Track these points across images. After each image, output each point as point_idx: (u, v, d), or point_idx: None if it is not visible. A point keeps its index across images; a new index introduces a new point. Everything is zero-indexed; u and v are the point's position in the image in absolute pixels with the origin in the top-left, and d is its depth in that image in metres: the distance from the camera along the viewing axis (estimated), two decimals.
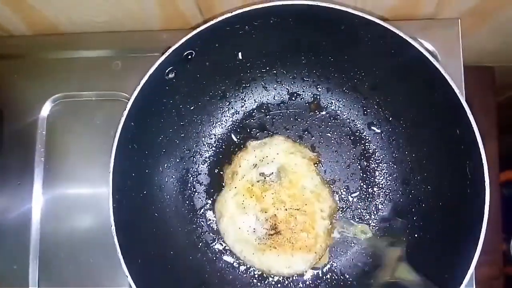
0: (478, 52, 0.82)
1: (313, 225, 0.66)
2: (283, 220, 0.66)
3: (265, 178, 0.68)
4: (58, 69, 0.78)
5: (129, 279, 0.55)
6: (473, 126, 0.54)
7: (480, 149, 0.54)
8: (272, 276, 0.68)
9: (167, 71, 0.61)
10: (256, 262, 0.66)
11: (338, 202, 0.69)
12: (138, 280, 0.56)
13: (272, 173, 0.68)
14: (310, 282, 0.69)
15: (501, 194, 0.84)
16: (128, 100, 0.59)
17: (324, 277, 0.69)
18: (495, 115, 0.87)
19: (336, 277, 0.68)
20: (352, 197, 0.70)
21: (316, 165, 0.69)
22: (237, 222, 0.67)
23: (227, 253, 0.70)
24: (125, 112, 0.58)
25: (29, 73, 0.78)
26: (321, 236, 0.66)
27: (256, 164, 0.69)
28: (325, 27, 0.61)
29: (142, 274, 0.57)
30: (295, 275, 0.68)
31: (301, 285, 0.69)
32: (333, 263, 0.68)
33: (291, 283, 0.69)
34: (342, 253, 0.69)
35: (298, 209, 0.66)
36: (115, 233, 0.56)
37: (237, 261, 0.69)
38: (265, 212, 0.67)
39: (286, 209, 0.67)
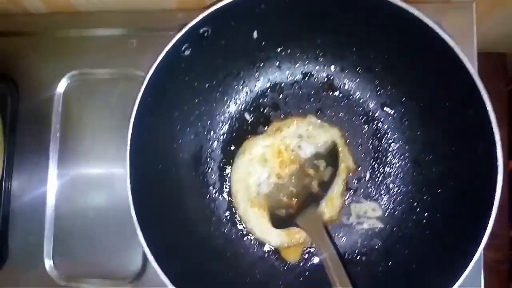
0: (491, 38, 0.82)
1: None
2: None
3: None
4: (73, 47, 0.79)
5: (145, 246, 0.57)
6: (487, 106, 0.55)
7: (494, 129, 0.54)
8: None
9: (183, 48, 0.62)
10: (241, 209, 0.69)
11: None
12: (153, 250, 0.57)
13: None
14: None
15: (509, 183, 0.85)
16: (143, 78, 0.60)
17: None
18: (506, 102, 0.87)
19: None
20: (363, 176, 0.71)
21: (349, 175, 0.70)
22: (252, 166, 0.69)
23: (239, 226, 0.71)
24: (143, 86, 0.59)
25: (45, 50, 0.79)
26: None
27: (301, 136, 0.70)
28: (341, 6, 0.61)
29: (157, 244, 0.58)
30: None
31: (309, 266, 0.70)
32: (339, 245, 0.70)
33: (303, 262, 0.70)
34: (348, 234, 0.70)
35: None
36: (132, 202, 0.58)
37: (251, 236, 0.71)
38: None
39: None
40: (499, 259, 0.85)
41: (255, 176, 0.70)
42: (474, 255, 0.55)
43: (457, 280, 0.55)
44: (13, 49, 0.80)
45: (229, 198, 0.72)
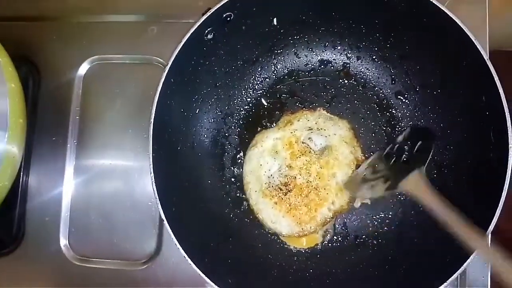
0: (502, 36, 0.84)
1: (317, 207, 0.69)
2: (297, 186, 0.69)
3: (309, 144, 0.70)
4: (95, 32, 0.81)
5: (165, 222, 0.58)
6: (499, 91, 0.57)
7: (505, 112, 0.56)
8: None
9: (206, 31, 0.64)
10: (253, 199, 0.70)
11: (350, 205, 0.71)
12: (172, 225, 0.58)
13: (319, 145, 0.71)
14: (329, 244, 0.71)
15: None
16: (162, 65, 0.61)
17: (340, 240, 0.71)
18: None
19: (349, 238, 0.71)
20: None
21: (357, 166, 0.71)
22: (263, 158, 0.71)
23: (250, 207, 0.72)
24: (168, 66, 0.61)
25: (67, 35, 0.81)
26: (317, 220, 0.69)
27: (311, 128, 0.71)
28: None
29: (175, 220, 0.59)
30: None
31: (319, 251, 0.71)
32: (348, 227, 0.71)
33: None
34: (360, 219, 0.71)
35: (316, 188, 0.69)
36: (153, 179, 0.59)
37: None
38: (289, 169, 0.70)
39: (307, 181, 0.69)
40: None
41: (266, 167, 0.71)
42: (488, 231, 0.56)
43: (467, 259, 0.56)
44: (35, 33, 0.82)
45: (241, 186, 0.73)
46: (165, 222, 0.58)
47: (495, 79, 0.57)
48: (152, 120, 0.60)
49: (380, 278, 0.65)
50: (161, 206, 0.59)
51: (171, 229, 0.58)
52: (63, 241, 0.76)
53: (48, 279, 0.76)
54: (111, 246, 0.74)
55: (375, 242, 0.70)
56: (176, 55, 0.61)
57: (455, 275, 0.56)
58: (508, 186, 0.57)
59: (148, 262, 0.73)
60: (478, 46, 0.58)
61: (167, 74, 0.61)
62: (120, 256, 0.74)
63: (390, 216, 0.71)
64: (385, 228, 0.70)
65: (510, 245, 0.53)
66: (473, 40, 0.58)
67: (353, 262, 0.69)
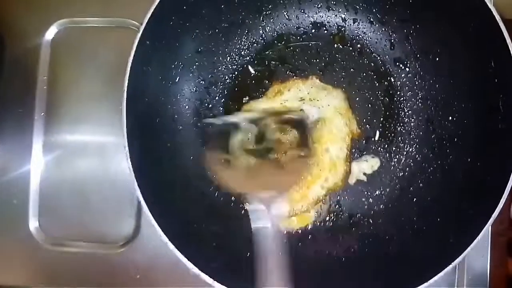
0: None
1: (308, 185, 0.65)
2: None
3: None
4: None
5: (143, 202, 0.54)
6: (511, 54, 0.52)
7: None
8: None
9: None
10: None
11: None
12: (151, 206, 0.54)
13: (311, 117, 0.66)
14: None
15: None
16: (138, 28, 0.56)
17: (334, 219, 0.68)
18: None
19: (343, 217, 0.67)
20: (372, 136, 0.68)
21: (354, 140, 0.67)
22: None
23: None
24: (142, 27, 0.55)
25: None
26: (308, 199, 0.66)
27: (303, 99, 0.67)
28: None
29: (154, 201, 0.55)
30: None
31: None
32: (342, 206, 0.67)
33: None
34: (354, 197, 0.67)
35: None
36: (128, 154, 0.54)
37: None
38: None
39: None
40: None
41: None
42: (492, 214, 0.52)
43: (471, 244, 0.53)
44: None
45: None
46: (143, 202, 0.54)
47: (508, 41, 0.52)
48: (125, 89, 0.55)
49: (375, 260, 0.62)
50: (138, 184, 0.54)
51: (149, 209, 0.54)
52: (33, 224, 0.71)
53: (17, 265, 0.71)
54: (86, 228, 0.70)
55: (370, 221, 0.66)
56: (151, 14, 0.56)
57: (458, 259, 0.52)
58: None
59: (126, 245, 0.69)
60: (490, 7, 0.53)
61: (141, 36, 0.56)
62: (95, 239, 0.70)
63: (386, 193, 0.67)
64: (381, 206, 0.66)
65: None
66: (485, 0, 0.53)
67: (347, 242, 0.65)
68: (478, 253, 0.67)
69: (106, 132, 0.72)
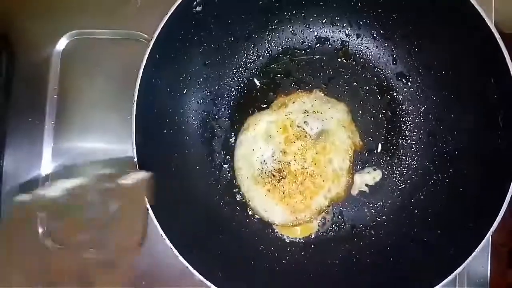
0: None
1: (312, 195, 0.66)
2: (292, 173, 0.66)
3: (304, 128, 0.67)
4: (74, 4, 0.75)
5: (149, 210, 0.54)
6: (510, 72, 0.53)
7: None
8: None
9: (195, 3, 0.59)
10: (245, 186, 0.67)
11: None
12: (158, 214, 0.55)
13: (315, 129, 0.67)
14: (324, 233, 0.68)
15: None
16: (147, 40, 0.58)
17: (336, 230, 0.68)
18: None
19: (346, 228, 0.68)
20: (374, 148, 0.69)
21: (356, 152, 0.68)
22: (256, 143, 0.67)
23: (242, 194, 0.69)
24: (152, 40, 0.57)
25: (44, 7, 0.75)
26: (312, 209, 0.66)
27: (307, 111, 0.68)
28: None
29: (161, 209, 0.56)
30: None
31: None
32: (344, 216, 0.68)
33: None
34: (357, 208, 0.69)
35: (311, 175, 0.66)
36: (137, 163, 0.55)
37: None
38: (283, 154, 0.66)
39: (302, 167, 0.66)
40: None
41: (259, 152, 0.67)
42: (492, 224, 0.53)
43: (470, 255, 0.54)
44: (8, 5, 0.75)
45: (232, 172, 0.69)
46: (150, 210, 0.55)
47: (507, 59, 0.53)
48: (135, 100, 0.56)
49: (377, 270, 0.62)
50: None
51: (156, 217, 0.55)
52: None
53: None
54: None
55: (372, 232, 0.67)
56: (161, 29, 0.57)
57: (458, 270, 0.53)
58: None
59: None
60: (490, 25, 0.54)
61: (151, 49, 0.57)
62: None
63: (388, 204, 0.68)
64: (383, 217, 0.67)
65: None
66: (485, 18, 0.54)
67: (349, 253, 0.66)
68: (478, 263, 0.67)
69: (113, 140, 0.72)
